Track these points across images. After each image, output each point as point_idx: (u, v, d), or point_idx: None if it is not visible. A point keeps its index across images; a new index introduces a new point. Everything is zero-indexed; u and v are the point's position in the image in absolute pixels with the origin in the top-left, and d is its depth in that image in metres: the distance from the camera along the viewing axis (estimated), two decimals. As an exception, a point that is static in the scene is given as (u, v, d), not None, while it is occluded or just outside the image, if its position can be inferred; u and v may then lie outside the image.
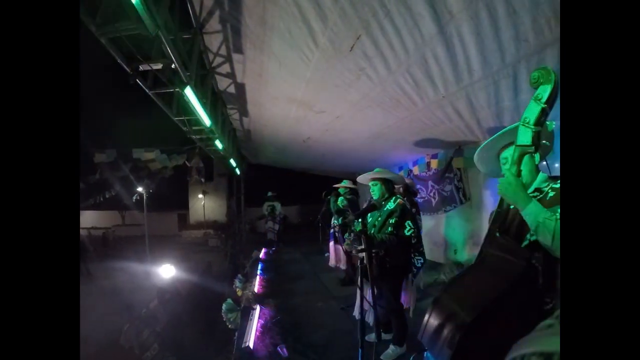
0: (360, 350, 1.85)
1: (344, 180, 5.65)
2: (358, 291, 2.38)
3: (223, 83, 4.44)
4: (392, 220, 2.74)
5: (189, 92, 3.19)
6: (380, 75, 3.16)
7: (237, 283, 5.22)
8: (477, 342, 1.16)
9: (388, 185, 3.00)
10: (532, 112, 1.25)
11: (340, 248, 5.61)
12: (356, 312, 3.02)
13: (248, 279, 5.52)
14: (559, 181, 1.38)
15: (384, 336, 3.00)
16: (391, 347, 2.88)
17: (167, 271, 4.71)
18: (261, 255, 7.99)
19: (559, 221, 1.19)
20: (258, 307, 3.95)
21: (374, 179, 3.01)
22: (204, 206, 14.03)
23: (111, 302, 4.54)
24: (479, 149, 1.66)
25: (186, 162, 7.77)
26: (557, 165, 3.38)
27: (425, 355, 1.51)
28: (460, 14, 2.14)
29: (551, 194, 1.35)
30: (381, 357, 2.83)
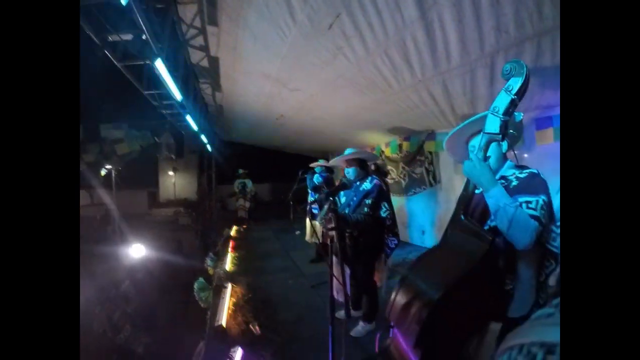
0: (330, 326, 1.90)
1: (320, 160, 5.66)
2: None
3: (196, 56, 4.27)
4: (368, 201, 2.72)
5: (159, 64, 3.04)
6: (358, 55, 3.14)
7: (208, 261, 5.20)
8: (443, 319, 1.22)
9: (363, 165, 2.96)
10: (502, 102, 1.29)
11: (316, 223, 5.69)
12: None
13: (219, 257, 5.51)
14: (525, 171, 1.44)
15: (354, 313, 3.09)
16: (361, 323, 2.96)
17: (137, 251, 4.62)
18: (232, 233, 7.96)
19: (518, 209, 1.26)
20: (230, 286, 3.97)
21: (348, 161, 2.94)
22: (174, 184, 13.67)
23: (82, 286, 4.40)
24: (447, 135, 1.69)
25: (156, 138, 7.49)
26: (526, 155, 3.55)
27: (391, 331, 1.57)
28: (443, -1, 2.14)
29: (515, 182, 1.41)
30: (351, 334, 2.91)
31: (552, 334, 0.36)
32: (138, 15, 2.32)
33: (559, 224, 1.30)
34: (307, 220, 6.03)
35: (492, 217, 1.35)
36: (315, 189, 5.18)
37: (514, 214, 1.24)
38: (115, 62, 3.15)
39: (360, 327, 2.95)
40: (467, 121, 1.57)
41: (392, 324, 1.43)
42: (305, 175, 5.50)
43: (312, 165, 5.59)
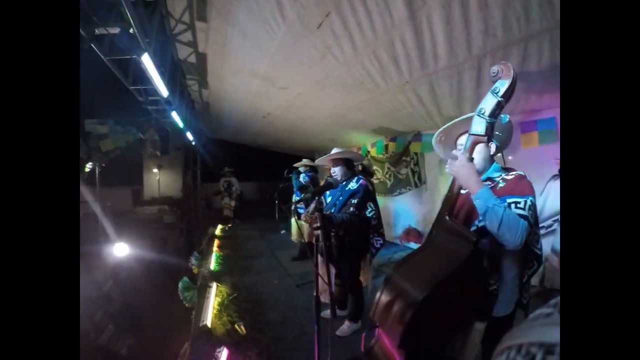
0: (316, 326, 1.89)
1: (304, 159, 5.66)
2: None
3: (183, 52, 4.20)
4: (354, 201, 2.72)
5: (146, 59, 2.98)
6: (346, 55, 3.14)
7: (193, 260, 5.13)
8: (428, 319, 1.22)
9: (349, 165, 2.96)
10: (489, 103, 1.28)
11: (302, 222, 5.68)
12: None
13: (204, 257, 5.44)
14: (511, 173, 1.45)
15: (339, 313, 3.10)
16: (346, 323, 2.97)
17: (121, 249, 4.52)
18: (217, 231, 7.88)
19: (507, 209, 1.28)
20: (214, 285, 3.92)
21: (334, 160, 2.94)
22: (159, 181, 13.42)
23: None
24: (437, 131, 1.69)
25: (141, 134, 7.33)
26: (510, 158, 3.61)
27: (376, 331, 1.57)
28: (433, 1, 2.15)
29: (502, 184, 1.42)
30: (337, 333, 2.91)
31: (551, 334, 0.35)
32: (126, 8, 2.27)
33: (541, 225, 1.33)
34: (293, 219, 6.02)
35: (480, 218, 1.35)
36: (302, 188, 5.19)
37: (503, 213, 1.24)
38: (101, 56, 3.08)
39: (346, 327, 2.96)
40: (457, 119, 1.57)
41: (377, 323, 1.43)
42: (290, 175, 5.50)
43: (296, 165, 5.59)
